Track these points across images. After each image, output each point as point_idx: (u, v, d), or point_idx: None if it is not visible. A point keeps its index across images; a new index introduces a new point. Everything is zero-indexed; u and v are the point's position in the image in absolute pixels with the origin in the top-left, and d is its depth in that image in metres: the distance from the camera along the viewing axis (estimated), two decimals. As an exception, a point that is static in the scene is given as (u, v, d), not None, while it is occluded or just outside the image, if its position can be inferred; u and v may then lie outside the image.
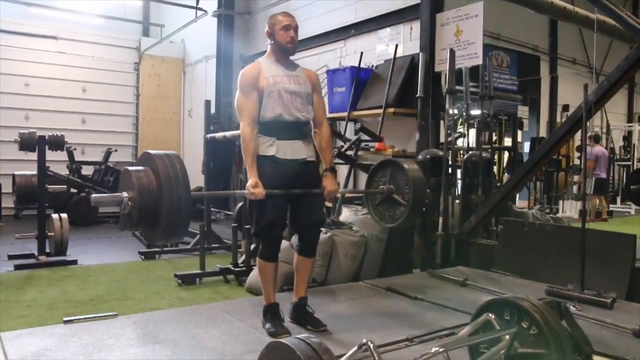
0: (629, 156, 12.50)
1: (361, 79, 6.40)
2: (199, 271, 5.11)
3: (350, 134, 6.28)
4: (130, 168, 2.49)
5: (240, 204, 6.09)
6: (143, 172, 2.46)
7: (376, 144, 6.00)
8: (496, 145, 7.41)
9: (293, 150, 3.08)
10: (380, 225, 5.05)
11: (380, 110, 5.88)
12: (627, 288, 3.93)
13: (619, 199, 12.15)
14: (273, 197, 2.96)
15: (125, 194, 2.44)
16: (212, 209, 7.63)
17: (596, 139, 10.65)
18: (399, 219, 3.48)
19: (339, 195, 3.74)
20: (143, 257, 6.16)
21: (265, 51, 3.22)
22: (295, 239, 3.43)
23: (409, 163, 3.55)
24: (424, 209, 3.55)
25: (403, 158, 3.78)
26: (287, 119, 3.05)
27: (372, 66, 6.61)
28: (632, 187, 7.23)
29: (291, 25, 3.10)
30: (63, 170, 9.14)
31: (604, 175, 10.10)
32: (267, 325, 3.05)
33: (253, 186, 2.91)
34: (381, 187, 3.56)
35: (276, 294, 3.20)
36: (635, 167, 12.08)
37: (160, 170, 2.43)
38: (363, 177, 6.75)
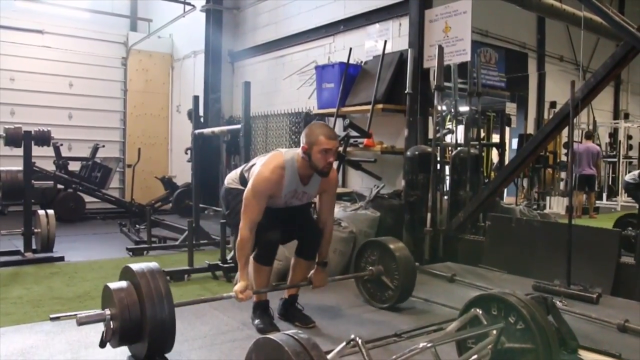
0: (614, 153, 12.61)
1: (350, 75, 6.40)
2: (187, 267, 5.09)
3: (339, 129, 6.29)
4: (111, 285, 2.49)
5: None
6: (124, 289, 2.47)
7: (365, 140, 6.02)
8: (484, 141, 7.45)
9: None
10: (369, 221, 5.10)
11: (369, 107, 5.88)
12: (612, 283, 3.98)
13: (604, 195, 12.26)
14: (267, 226, 2.98)
15: (107, 312, 2.44)
16: (201, 205, 7.60)
17: (587, 136, 10.76)
18: (388, 302, 3.51)
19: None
20: (131, 253, 6.13)
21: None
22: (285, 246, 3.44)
23: (396, 244, 3.55)
24: (413, 288, 3.56)
25: (388, 237, 3.77)
26: (276, 207, 3.09)
27: (361, 62, 6.61)
28: (622, 232, 7.14)
29: (332, 149, 2.91)
30: (50, 166, 9.04)
31: (587, 172, 10.11)
32: (256, 322, 3.05)
33: (241, 291, 2.85)
34: (370, 268, 3.58)
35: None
36: (621, 164, 12.18)
37: (143, 287, 2.44)
38: (351, 172, 6.76)
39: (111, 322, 2.42)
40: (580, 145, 10.18)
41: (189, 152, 8.89)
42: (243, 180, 3.09)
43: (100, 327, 3.01)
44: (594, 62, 9.95)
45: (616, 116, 13.99)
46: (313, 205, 3.49)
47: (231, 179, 3.26)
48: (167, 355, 2.61)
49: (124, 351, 2.69)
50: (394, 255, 3.45)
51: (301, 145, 2.95)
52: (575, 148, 9.55)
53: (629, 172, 10.67)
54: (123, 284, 2.52)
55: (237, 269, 4.78)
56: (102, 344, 2.46)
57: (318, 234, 3.20)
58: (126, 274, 2.58)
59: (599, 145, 11.93)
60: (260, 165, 2.99)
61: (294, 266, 3.26)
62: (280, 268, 4.24)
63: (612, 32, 4.81)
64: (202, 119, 7.36)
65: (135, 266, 2.53)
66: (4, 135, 5.86)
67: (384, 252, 3.54)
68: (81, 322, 2.42)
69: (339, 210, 5.28)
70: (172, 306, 2.48)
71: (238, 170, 3.26)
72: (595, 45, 10.77)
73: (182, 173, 10.02)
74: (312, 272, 3.25)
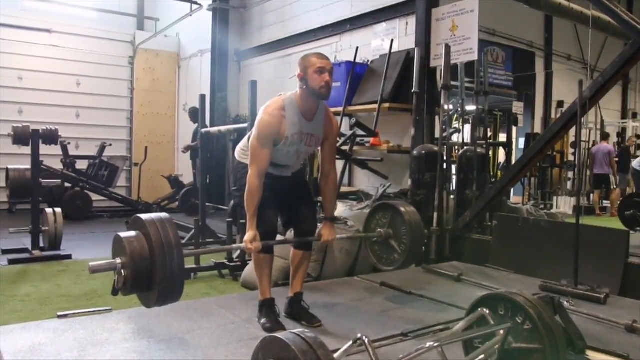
0: (623, 152, 12.54)
1: (357, 74, 6.40)
2: (193, 266, 5.10)
3: (345, 129, 6.28)
4: (121, 234, 2.50)
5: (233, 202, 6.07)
6: (135, 238, 2.47)
7: (371, 139, 6.02)
8: (491, 140, 7.42)
9: (284, 171, 3.15)
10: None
11: (376, 106, 5.88)
12: (620, 283, 3.96)
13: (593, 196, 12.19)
14: (265, 209, 2.97)
15: (118, 260, 2.44)
16: (208, 204, 7.62)
17: (603, 136, 11.03)
18: (393, 265, 3.54)
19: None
20: (138, 251, 6.14)
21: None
22: (290, 233, 3.43)
23: (407, 207, 3.57)
24: (420, 255, 3.58)
25: (399, 200, 3.80)
26: (286, 165, 3.11)
27: (368, 61, 6.61)
28: (626, 212, 7.26)
29: (326, 68, 2.90)
30: (57, 165, 9.09)
31: (602, 172, 10.41)
32: (263, 320, 3.05)
33: (251, 240, 2.87)
34: (379, 230, 3.60)
35: (272, 289, 3.20)
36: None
37: (152, 235, 2.43)
38: (358, 172, 6.76)
39: (122, 270, 2.42)
40: (596, 145, 10.65)
41: (188, 150, 8.96)
42: None
43: (109, 326, 3.05)
44: (602, 61, 9.89)
45: (624, 115, 13.91)
46: (318, 205, 3.50)
47: (241, 148, 3.25)
48: (173, 354, 2.62)
49: (132, 348, 2.70)
50: (404, 220, 3.45)
51: (297, 74, 2.97)
52: (593, 149, 10.30)
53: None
54: (133, 233, 2.51)
55: (243, 268, 4.82)
56: (114, 292, 2.48)
57: (313, 225, 3.23)
58: (136, 223, 2.57)
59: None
60: (261, 112, 2.99)
61: (292, 259, 3.26)
62: (285, 267, 4.24)
63: (621, 31, 4.78)
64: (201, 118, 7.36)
65: (145, 216, 2.53)
66: (13, 133, 5.89)
67: (395, 216, 3.54)
68: (94, 270, 2.43)
69: (345, 209, 5.28)
70: (182, 254, 2.47)
71: (246, 138, 3.25)
72: (604, 44, 10.70)
73: (189, 172, 10.04)
74: (321, 227, 3.23)
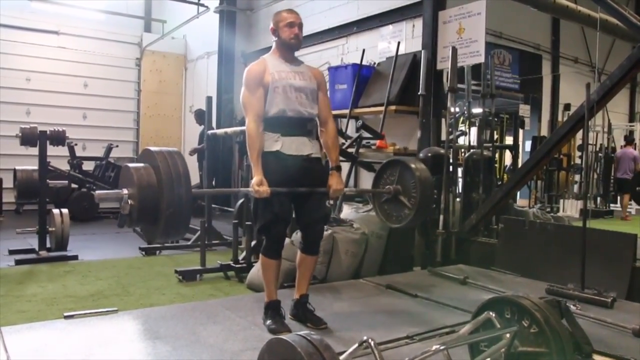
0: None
1: (363, 77, 6.40)
2: (199, 267, 5.12)
3: (351, 131, 6.28)
4: (130, 165, 2.47)
5: (240, 201, 6.08)
6: (143, 169, 2.44)
7: (377, 142, 6.00)
8: (497, 143, 7.40)
9: (298, 145, 3.07)
10: (381, 223, 5.08)
11: (382, 108, 5.87)
12: (627, 287, 3.94)
13: (619, 199, 12.14)
14: (277, 193, 2.96)
15: (125, 191, 2.42)
16: (214, 206, 7.63)
17: (628, 141, 11.28)
18: (404, 221, 3.49)
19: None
20: (144, 252, 6.16)
21: (270, 48, 3.21)
22: (297, 236, 3.43)
23: (417, 163, 3.54)
24: (429, 212, 3.53)
25: (410, 156, 3.76)
26: (291, 115, 3.05)
27: (374, 63, 6.60)
28: (637, 188, 7.25)
29: (295, 22, 3.11)
30: (64, 166, 9.12)
31: (625, 176, 10.61)
32: (268, 322, 3.05)
33: (258, 184, 2.89)
34: (388, 187, 3.57)
35: (277, 290, 3.20)
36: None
37: (161, 167, 2.41)
38: (364, 174, 6.75)
39: (129, 200, 2.41)
40: (620, 149, 11.00)
41: (195, 153, 8.97)
42: None
43: (115, 327, 3.06)
44: (610, 64, 9.83)
45: (632, 118, 13.85)
46: (330, 203, 3.49)
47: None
48: (178, 355, 2.62)
49: (138, 349, 2.71)
50: (412, 171, 3.44)
51: (270, 28, 3.17)
52: (616, 153, 10.67)
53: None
54: (141, 165, 2.50)
55: (249, 270, 4.82)
56: (121, 223, 2.47)
57: (321, 228, 3.25)
58: (145, 156, 2.55)
59: (614, 148, 11.84)
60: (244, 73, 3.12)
61: (299, 263, 3.26)
62: (291, 268, 4.24)
63: (629, 34, 4.76)
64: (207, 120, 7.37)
65: (155, 148, 2.53)
66: (20, 134, 5.92)
67: (403, 171, 3.52)
68: (100, 198, 2.45)
69: (351, 212, 5.27)
70: (190, 188, 2.47)
71: None
72: (611, 47, 10.66)
73: (195, 173, 10.06)
74: (329, 178, 3.20)
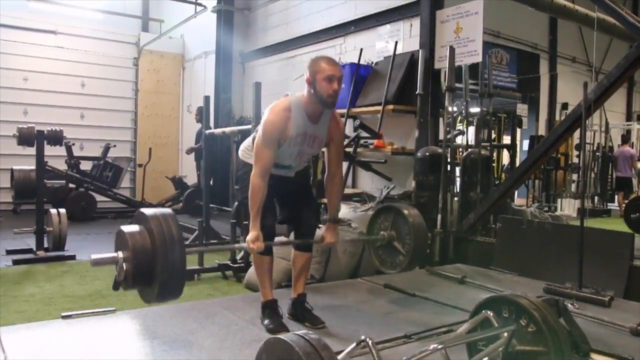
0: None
1: (360, 76, 6.40)
2: (197, 267, 5.11)
3: (349, 130, 6.28)
4: (124, 228, 2.50)
5: (237, 202, 6.09)
6: (138, 233, 2.47)
7: (375, 141, 6.01)
8: (495, 143, 7.41)
9: (286, 172, 3.15)
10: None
11: (380, 107, 5.87)
12: (624, 286, 3.94)
13: (617, 198, 12.17)
14: (265, 211, 2.97)
15: (120, 254, 2.45)
16: (211, 205, 7.62)
17: (624, 140, 11.48)
18: (398, 267, 3.54)
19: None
20: (141, 252, 6.15)
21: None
22: (292, 235, 3.43)
23: (410, 209, 3.56)
24: (423, 257, 3.57)
25: (402, 202, 3.78)
26: (289, 165, 3.11)
27: (372, 63, 6.61)
28: (632, 215, 7.26)
29: (335, 75, 2.86)
30: (61, 166, 9.12)
31: (624, 174, 10.82)
32: (266, 322, 3.05)
33: (253, 240, 2.86)
34: (382, 233, 3.59)
35: (275, 290, 3.20)
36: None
37: (155, 230, 2.44)
38: (362, 173, 6.76)
39: (124, 264, 2.42)
40: (617, 149, 11.23)
41: (192, 152, 8.96)
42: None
43: (113, 327, 3.06)
44: (607, 64, 9.86)
45: (629, 117, 13.89)
46: (322, 207, 3.50)
47: (245, 147, 3.26)
48: (177, 355, 2.62)
49: (136, 349, 2.71)
50: (407, 221, 3.46)
51: (305, 78, 2.94)
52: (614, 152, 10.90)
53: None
54: (136, 227, 2.51)
55: (247, 269, 4.82)
56: (116, 286, 2.48)
57: (313, 226, 3.23)
58: (139, 218, 2.56)
59: (611, 147, 11.87)
60: (267, 112, 2.98)
61: (294, 261, 3.27)
62: (288, 268, 4.24)
63: (626, 33, 4.76)
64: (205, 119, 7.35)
65: (148, 211, 2.54)
66: (17, 134, 5.92)
67: (397, 218, 3.54)
68: (96, 263, 2.43)
69: (349, 211, 5.27)
70: (184, 250, 2.48)
71: (251, 137, 3.24)
72: (608, 47, 10.68)
73: (193, 173, 10.06)
74: (322, 229, 3.24)
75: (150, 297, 2.49)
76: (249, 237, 2.88)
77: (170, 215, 2.53)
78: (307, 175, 3.25)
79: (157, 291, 2.42)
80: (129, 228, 2.49)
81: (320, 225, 3.53)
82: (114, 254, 2.44)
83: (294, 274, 3.27)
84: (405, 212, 3.51)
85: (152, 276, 2.43)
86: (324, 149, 3.24)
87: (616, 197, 11.16)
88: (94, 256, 2.44)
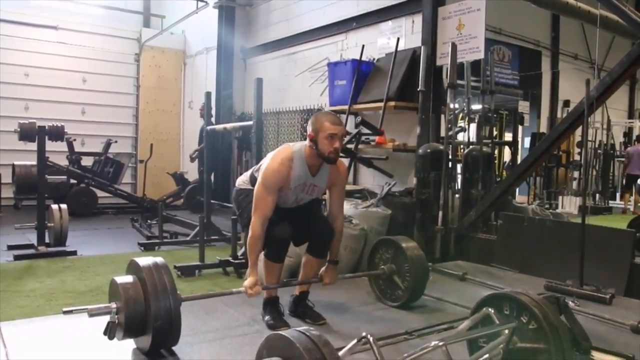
0: (629, 152, 12.50)
1: (362, 72, 6.39)
2: (198, 263, 5.11)
3: (351, 127, 6.27)
4: (117, 279, 2.52)
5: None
6: (130, 285, 2.50)
7: (377, 138, 6.00)
8: (497, 140, 7.40)
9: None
10: (380, 219, 5.08)
11: (381, 104, 5.86)
12: (625, 284, 3.94)
13: (618, 195, 12.16)
14: (278, 219, 3.00)
15: (113, 305, 2.47)
16: (212, 201, 7.63)
17: (639, 138, 11.49)
18: (397, 301, 3.53)
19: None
20: (142, 248, 6.16)
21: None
22: (301, 249, 3.44)
23: (409, 244, 3.55)
24: (423, 291, 3.58)
25: (402, 236, 3.75)
26: (285, 207, 3.12)
27: (374, 59, 6.59)
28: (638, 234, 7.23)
29: (337, 134, 2.93)
30: (63, 161, 9.11)
31: (637, 172, 10.68)
32: (267, 318, 3.06)
33: (251, 286, 2.88)
34: (382, 267, 3.59)
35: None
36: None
37: (147, 279, 2.46)
38: (363, 170, 6.75)
39: (117, 316, 2.45)
40: (632, 146, 11.21)
41: (196, 157, 8.92)
42: (253, 181, 3.09)
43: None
44: (609, 61, 9.84)
45: (631, 115, 13.86)
46: (323, 202, 3.49)
47: (242, 180, 3.30)
48: (178, 351, 2.62)
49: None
50: (407, 255, 3.45)
51: (308, 133, 2.98)
52: (627, 150, 10.96)
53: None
54: (129, 278, 2.54)
55: (248, 265, 4.82)
56: (110, 336, 2.49)
57: (329, 231, 3.19)
58: (132, 268, 2.60)
59: (613, 144, 11.85)
60: (269, 159, 3.01)
61: (304, 264, 3.27)
62: (291, 265, 4.25)
63: (629, 30, 4.74)
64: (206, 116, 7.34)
65: (141, 260, 2.56)
66: (19, 130, 5.91)
67: (397, 251, 3.53)
68: (92, 314, 2.46)
69: (350, 208, 5.27)
70: (177, 300, 2.50)
71: (248, 173, 3.29)
72: (611, 44, 10.66)
73: (194, 169, 10.06)
74: (322, 269, 3.26)
75: (145, 346, 2.52)
76: (247, 283, 2.89)
77: (162, 265, 2.57)
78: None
79: (151, 340, 2.46)
80: (122, 279, 2.53)
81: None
82: (108, 305, 2.49)
83: (303, 274, 3.28)
84: (404, 245, 3.50)
85: (145, 327, 2.47)
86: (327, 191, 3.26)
87: (624, 195, 11.12)
88: (90, 307, 2.46)
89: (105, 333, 2.47)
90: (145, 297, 2.45)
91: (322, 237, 3.19)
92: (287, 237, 3.09)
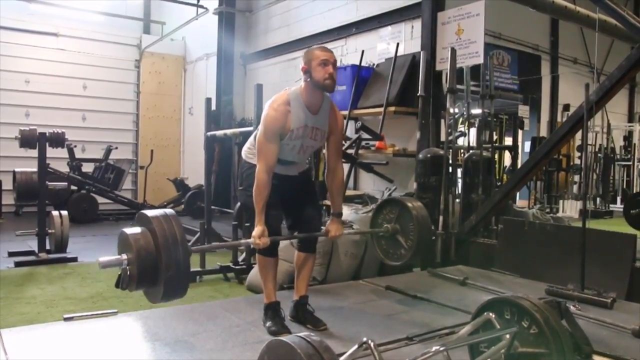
0: (629, 156, 12.49)
1: (362, 78, 6.40)
2: (199, 269, 5.11)
3: (351, 132, 6.28)
4: (127, 230, 2.51)
5: (239, 204, 6.08)
6: (140, 235, 2.48)
7: (377, 143, 6.01)
8: (497, 144, 7.40)
9: (291, 169, 3.16)
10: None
11: (381, 109, 5.87)
12: (627, 288, 3.94)
13: (619, 199, 12.15)
14: (270, 208, 2.97)
15: (124, 256, 2.46)
16: (213, 207, 7.62)
17: None
18: (401, 260, 3.53)
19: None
20: (143, 254, 6.15)
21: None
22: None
23: (415, 203, 3.55)
24: (427, 251, 3.56)
25: (407, 197, 3.74)
26: (289, 160, 3.11)
27: (373, 65, 6.61)
28: (632, 211, 7.25)
29: (330, 60, 2.93)
30: (63, 168, 9.13)
31: None
32: (268, 324, 3.05)
33: (259, 235, 2.87)
34: (385, 225, 3.59)
35: (277, 292, 3.20)
36: (636, 168, 12.12)
37: (158, 232, 2.44)
38: (363, 175, 6.76)
39: (128, 267, 2.43)
40: None
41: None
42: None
43: (114, 329, 3.06)
44: (609, 65, 9.85)
45: (631, 119, 13.86)
46: (324, 208, 3.51)
47: (247, 147, 3.27)
48: (178, 357, 2.62)
49: (137, 351, 2.71)
50: (412, 215, 3.44)
51: (301, 67, 2.99)
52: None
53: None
54: (138, 229, 2.52)
55: (249, 271, 4.82)
56: (118, 285, 2.48)
57: (318, 227, 3.23)
58: (141, 220, 2.57)
59: (613, 148, 11.85)
60: (266, 107, 3.01)
61: (297, 263, 3.27)
62: (291, 270, 4.24)
63: (627, 34, 4.76)
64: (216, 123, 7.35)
65: (150, 212, 2.54)
66: (20, 136, 5.92)
67: (402, 211, 3.53)
68: (103, 265, 2.44)
69: (351, 213, 5.27)
70: (187, 249, 2.49)
71: (252, 136, 3.26)
72: (610, 48, 10.67)
73: (194, 175, 10.07)
74: (327, 223, 3.24)
75: (156, 297, 2.50)
76: (255, 232, 2.89)
77: (172, 215, 2.53)
78: (310, 174, 3.25)
79: (162, 291, 2.43)
80: (131, 230, 2.50)
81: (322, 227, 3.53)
82: (119, 257, 2.45)
83: (297, 275, 3.27)
84: (410, 205, 3.50)
85: (156, 277, 2.44)
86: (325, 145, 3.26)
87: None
88: (102, 259, 2.45)
89: (117, 285, 2.46)
90: (157, 248, 2.42)
91: (311, 231, 3.19)
92: (278, 228, 3.11)
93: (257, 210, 2.92)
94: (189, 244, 6.45)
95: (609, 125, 11.48)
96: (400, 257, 3.54)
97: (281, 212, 3.14)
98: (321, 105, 3.04)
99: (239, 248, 5.16)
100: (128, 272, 2.43)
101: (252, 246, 2.93)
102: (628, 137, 12.98)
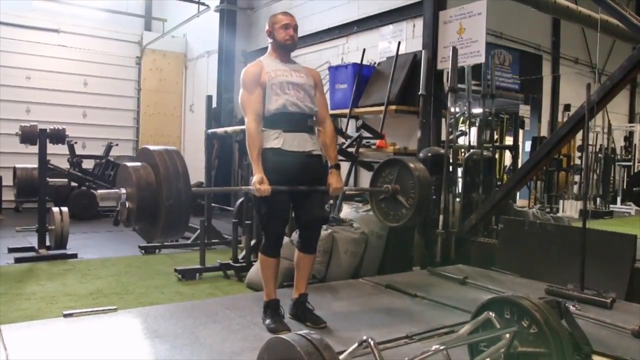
0: (630, 157, 12.48)
1: (363, 76, 6.39)
2: (199, 266, 5.12)
3: (351, 131, 6.28)
4: (128, 164, 2.44)
5: (240, 200, 6.09)
6: (141, 168, 2.41)
7: (377, 141, 6.00)
8: (497, 143, 7.40)
9: (299, 142, 3.08)
10: (380, 223, 5.08)
11: (382, 108, 5.87)
12: (626, 288, 3.94)
13: (619, 199, 12.15)
14: (277, 191, 2.96)
15: (123, 190, 2.40)
16: (213, 204, 7.62)
17: None
18: (402, 220, 3.48)
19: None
20: (143, 251, 6.16)
21: (267, 48, 3.26)
22: (295, 235, 3.43)
23: (416, 163, 3.53)
24: (428, 212, 3.52)
25: (408, 156, 3.73)
26: (291, 110, 3.07)
27: (375, 63, 6.60)
28: (634, 189, 7.24)
29: (290, 24, 3.20)
30: (64, 164, 9.12)
31: None
32: (267, 321, 3.05)
33: (259, 182, 2.89)
34: (386, 186, 3.56)
35: (276, 290, 3.20)
36: (636, 168, 12.10)
37: (160, 165, 2.38)
38: (364, 174, 6.75)
39: (126, 202, 2.38)
40: None
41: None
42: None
43: (114, 326, 3.06)
44: (610, 65, 9.85)
45: (632, 119, 13.85)
46: (330, 203, 3.50)
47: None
48: (177, 354, 2.62)
49: (137, 348, 2.71)
50: (413, 174, 3.43)
51: (265, 30, 3.26)
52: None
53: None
54: (140, 164, 2.46)
55: (248, 269, 4.82)
56: (116, 222, 2.46)
57: (320, 227, 3.27)
58: (143, 155, 2.52)
59: (614, 148, 11.85)
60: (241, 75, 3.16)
61: (297, 263, 3.26)
62: (290, 268, 4.23)
63: (629, 35, 4.76)
64: (217, 120, 7.34)
65: (153, 147, 2.51)
66: (20, 132, 5.92)
67: (402, 171, 3.51)
68: (101, 198, 2.42)
69: (351, 211, 5.27)
70: (189, 186, 2.46)
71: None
72: (611, 48, 10.66)
73: (194, 172, 10.06)
74: (328, 177, 3.22)
75: (154, 233, 2.44)
76: (255, 179, 2.92)
77: (174, 151, 2.50)
78: (323, 167, 3.21)
79: (161, 227, 2.37)
80: (132, 164, 2.44)
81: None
82: (117, 190, 2.40)
83: (297, 274, 3.27)
84: (411, 165, 3.48)
85: (156, 211, 2.37)
86: None
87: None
88: (100, 191, 2.41)
89: (115, 222, 2.43)
90: (157, 180, 2.37)
91: (312, 233, 3.20)
92: (282, 230, 3.15)
93: (253, 160, 2.99)
94: (189, 241, 6.51)
95: (609, 125, 11.46)
96: (402, 217, 3.49)
97: (289, 200, 3.09)
98: (290, 59, 3.25)
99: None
100: (127, 206, 2.38)
101: (254, 192, 2.91)
102: (629, 138, 12.98)
